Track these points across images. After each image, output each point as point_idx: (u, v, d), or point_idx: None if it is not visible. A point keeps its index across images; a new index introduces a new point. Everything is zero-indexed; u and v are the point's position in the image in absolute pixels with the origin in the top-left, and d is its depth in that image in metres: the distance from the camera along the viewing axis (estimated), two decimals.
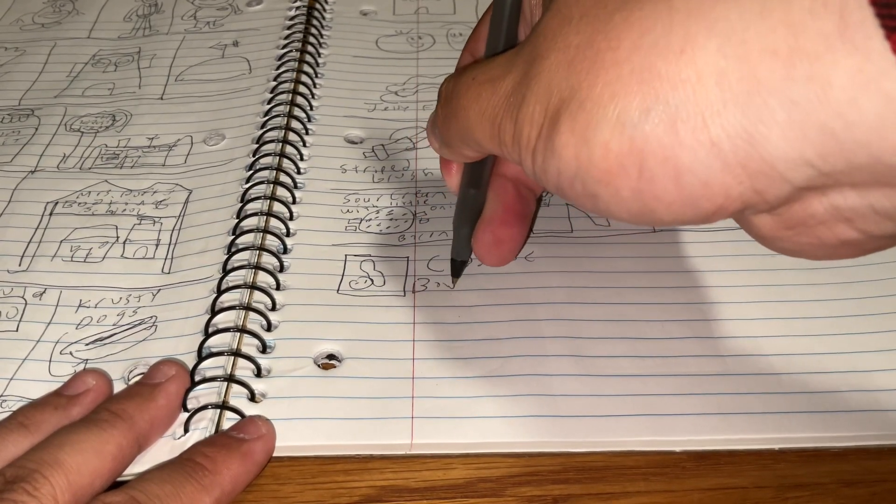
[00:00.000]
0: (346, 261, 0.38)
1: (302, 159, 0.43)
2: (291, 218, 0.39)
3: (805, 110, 0.19)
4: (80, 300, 0.36)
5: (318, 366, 0.33)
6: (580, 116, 0.21)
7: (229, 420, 0.31)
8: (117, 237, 0.39)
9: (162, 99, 0.49)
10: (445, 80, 0.29)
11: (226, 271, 0.36)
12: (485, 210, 0.34)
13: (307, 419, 0.31)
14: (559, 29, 0.23)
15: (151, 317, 0.35)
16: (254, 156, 0.43)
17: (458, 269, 0.36)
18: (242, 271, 0.36)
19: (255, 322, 0.34)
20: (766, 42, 0.19)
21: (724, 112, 0.19)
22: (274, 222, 0.39)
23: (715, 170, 0.20)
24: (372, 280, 0.37)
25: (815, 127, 0.19)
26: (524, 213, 0.34)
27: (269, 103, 0.46)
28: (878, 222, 0.21)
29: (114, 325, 0.35)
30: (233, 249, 0.37)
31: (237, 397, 0.32)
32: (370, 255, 0.38)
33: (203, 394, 0.32)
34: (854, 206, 0.21)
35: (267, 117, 0.45)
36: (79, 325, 0.35)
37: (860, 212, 0.21)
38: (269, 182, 0.41)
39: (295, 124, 0.45)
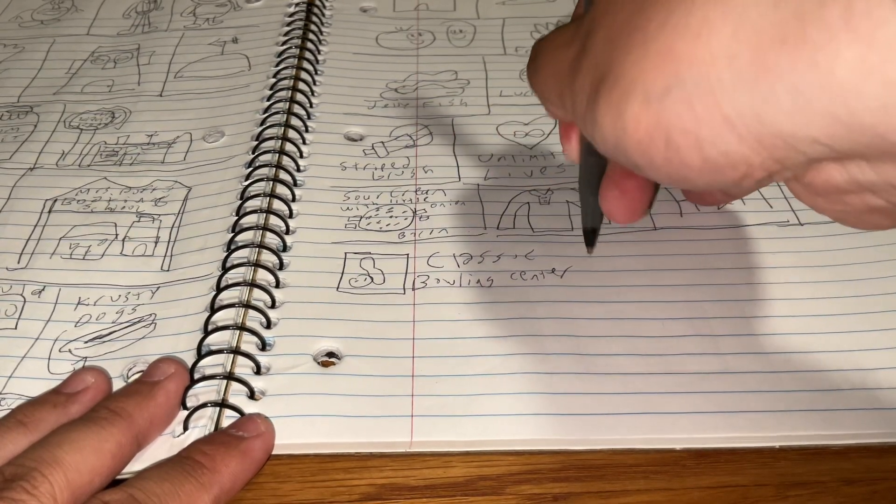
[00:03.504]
0: (345, 258, 0.38)
1: (301, 157, 0.43)
2: (291, 215, 0.39)
3: (808, 98, 0.19)
4: (79, 298, 0.36)
5: (318, 363, 0.33)
6: (615, 91, 0.23)
7: (229, 418, 0.31)
8: (116, 234, 0.39)
9: (161, 96, 0.49)
10: (540, 39, 0.30)
11: (225, 269, 0.36)
12: (608, 168, 0.33)
13: (307, 417, 0.31)
14: (609, 5, 0.24)
15: (150, 314, 0.35)
16: (253, 153, 0.43)
17: (591, 237, 0.34)
18: (242, 269, 0.36)
19: (254, 320, 0.34)
20: (777, 31, 0.19)
21: (734, 93, 0.20)
22: (273, 220, 0.39)
23: (732, 143, 0.21)
24: (372, 277, 0.37)
25: (819, 113, 0.19)
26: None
27: (268, 100, 0.46)
28: None
29: (113, 322, 0.35)
30: (232, 247, 0.37)
31: (236, 395, 0.32)
32: (370, 253, 0.38)
33: (202, 392, 0.32)
34: (872, 181, 0.21)
35: (266, 114, 0.45)
36: (78, 322, 0.35)
37: (879, 185, 0.21)
38: (268, 179, 0.40)
39: (295, 121, 0.44)
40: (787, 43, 0.19)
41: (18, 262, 0.38)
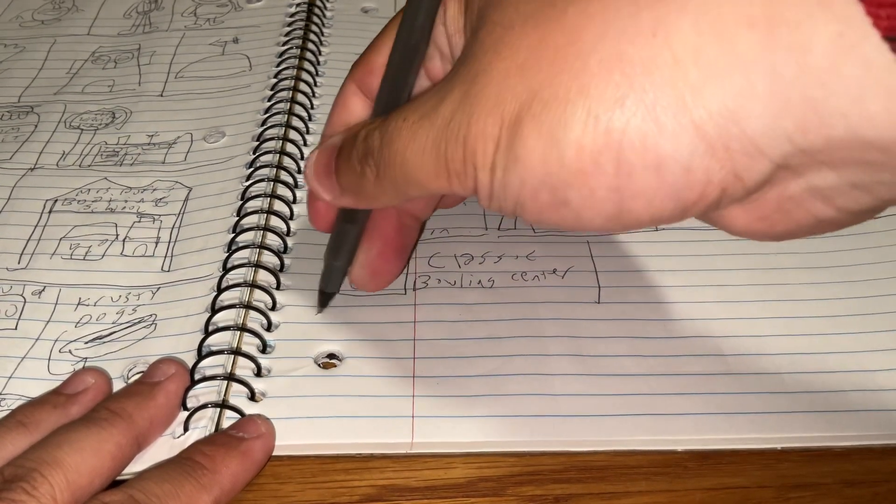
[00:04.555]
0: None
1: (303, 157, 0.43)
2: (292, 216, 0.39)
3: (786, 80, 0.18)
4: (80, 298, 0.36)
5: (319, 365, 0.33)
6: (545, 117, 0.20)
7: (229, 419, 0.31)
8: (117, 235, 0.39)
9: (162, 96, 0.49)
10: (363, 135, 0.27)
11: (226, 269, 0.36)
12: (363, 243, 0.33)
13: (307, 418, 0.31)
14: (501, 38, 0.22)
15: (151, 315, 0.35)
16: (254, 153, 0.43)
17: (326, 300, 0.35)
18: (243, 270, 0.36)
19: (255, 321, 0.34)
20: (742, 14, 0.18)
21: (705, 91, 0.19)
22: (274, 220, 0.39)
23: (698, 153, 0.19)
24: None
25: (795, 97, 0.18)
26: (405, 245, 0.34)
27: (269, 101, 0.46)
28: (857, 198, 0.21)
29: (113, 323, 0.35)
30: (233, 247, 0.37)
31: (237, 396, 0.32)
32: None
33: (203, 393, 0.32)
34: (832, 185, 0.20)
35: (267, 115, 0.45)
36: (78, 323, 0.35)
37: (839, 189, 0.20)
38: (269, 180, 0.40)
39: (296, 122, 0.44)
40: (756, 25, 0.18)
41: (19, 263, 0.38)
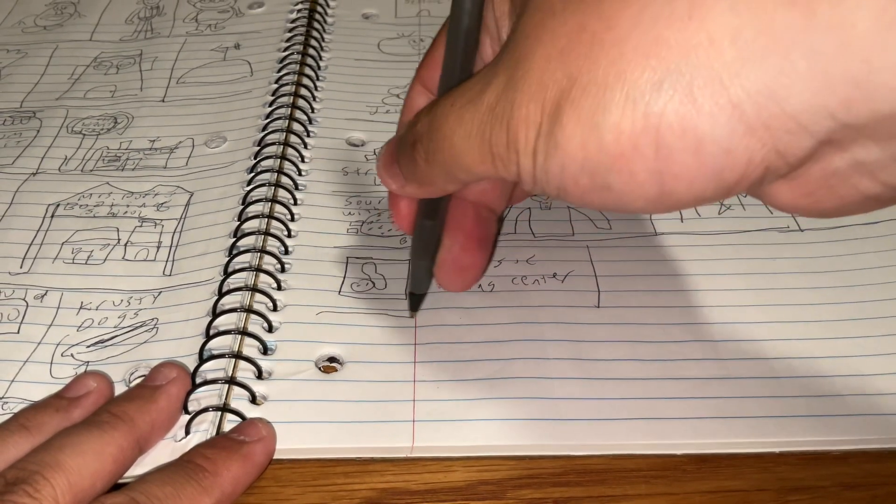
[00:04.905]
0: (347, 263, 0.38)
1: (303, 162, 0.43)
2: (293, 220, 0.40)
3: (828, 59, 0.18)
4: (82, 302, 0.36)
5: (320, 369, 0.33)
6: (584, 103, 0.21)
7: (230, 422, 0.31)
8: (118, 239, 0.39)
9: (163, 101, 0.49)
10: (416, 119, 0.28)
11: (227, 273, 0.36)
12: (444, 239, 0.33)
13: (308, 422, 0.31)
14: (542, 24, 0.22)
15: (152, 319, 0.35)
16: (255, 158, 0.43)
17: (416, 302, 0.35)
18: (244, 274, 0.36)
19: (256, 324, 0.34)
20: None
21: (742, 71, 0.19)
22: (275, 225, 0.39)
23: (738, 134, 0.20)
24: (373, 283, 0.37)
25: (837, 73, 0.18)
26: (486, 237, 0.34)
27: (270, 106, 0.46)
28: None
29: (115, 327, 0.35)
30: (234, 252, 0.37)
31: (238, 399, 0.32)
32: (371, 258, 0.38)
33: (204, 396, 0.32)
34: (876, 159, 0.20)
35: (268, 120, 0.45)
36: (80, 327, 0.35)
37: (883, 163, 0.20)
38: (270, 185, 0.41)
39: (296, 127, 0.45)
40: (795, 4, 0.18)
41: (21, 267, 0.38)
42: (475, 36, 0.28)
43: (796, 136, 0.20)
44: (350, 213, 0.40)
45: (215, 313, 0.35)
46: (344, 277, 0.37)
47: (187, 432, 0.31)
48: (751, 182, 0.21)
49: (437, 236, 0.33)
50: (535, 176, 0.23)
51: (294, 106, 0.46)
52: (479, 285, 0.36)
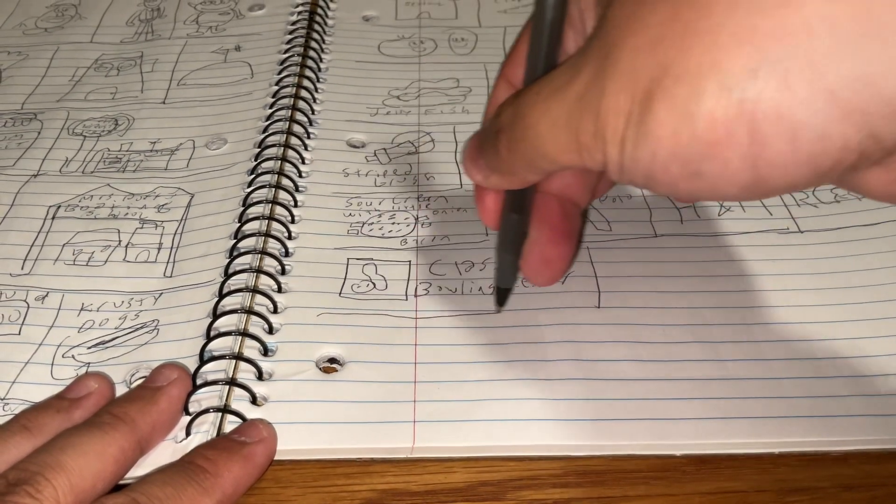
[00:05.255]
0: (348, 264, 0.38)
1: (304, 163, 0.43)
2: (293, 222, 0.40)
3: None
4: (83, 304, 0.36)
5: (320, 369, 0.33)
6: (677, 91, 0.21)
7: (231, 423, 0.31)
8: (119, 241, 0.39)
9: (164, 103, 0.49)
10: (500, 110, 0.28)
11: (228, 275, 0.36)
12: (530, 234, 0.33)
13: (309, 423, 0.31)
14: (633, 13, 0.22)
15: (153, 320, 0.35)
16: (256, 160, 0.43)
17: (503, 296, 0.35)
18: (244, 275, 0.36)
19: (256, 325, 0.35)
20: None
21: (839, 58, 0.19)
22: (276, 226, 0.39)
23: (834, 120, 0.19)
24: (374, 284, 0.37)
25: None
26: (572, 230, 0.33)
27: (270, 107, 0.46)
28: None
29: (116, 328, 0.35)
30: (235, 253, 0.37)
31: (239, 401, 0.32)
32: (372, 259, 0.38)
33: (205, 397, 0.32)
34: None
35: (269, 121, 0.45)
36: (81, 328, 0.35)
37: None
38: (270, 186, 0.41)
39: (297, 128, 0.45)
40: None
41: (22, 269, 0.38)
42: (559, 28, 0.28)
43: (893, 121, 0.19)
44: (350, 214, 0.40)
45: (216, 315, 0.35)
46: (344, 278, 0.37)
47: (188, 433, 0.31)
48: (844, 168, 0.21)
49: (524, 230, 0.33)
50: (623, 164, 0.23)
51: (294, 108, 0.46)
52: (480, 288, 0.36)
